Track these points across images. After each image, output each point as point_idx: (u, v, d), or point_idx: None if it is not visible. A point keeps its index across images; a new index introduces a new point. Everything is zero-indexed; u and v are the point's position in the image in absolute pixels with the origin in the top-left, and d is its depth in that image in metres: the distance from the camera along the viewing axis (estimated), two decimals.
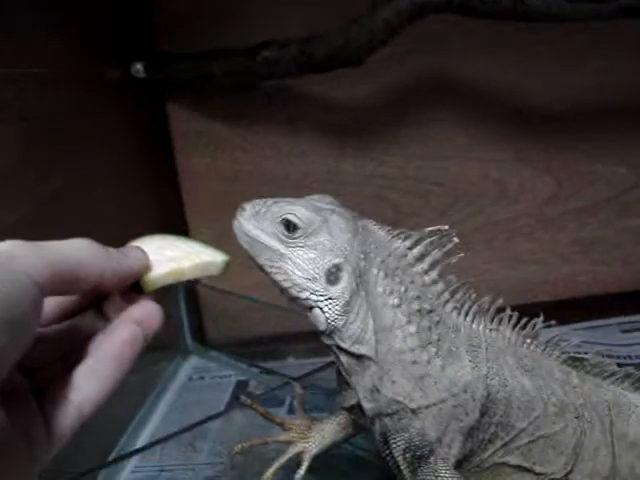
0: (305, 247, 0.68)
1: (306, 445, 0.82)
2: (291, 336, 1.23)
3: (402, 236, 0.70)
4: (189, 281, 0.66)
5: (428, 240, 0.70)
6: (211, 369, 1.25)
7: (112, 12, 1.19)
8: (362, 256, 0.68)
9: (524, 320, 0.73)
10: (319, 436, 0.83)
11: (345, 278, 0.67)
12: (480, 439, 0.69)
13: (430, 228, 0.70)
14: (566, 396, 0.72)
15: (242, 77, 1.16)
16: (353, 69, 1.11)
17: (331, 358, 0.72)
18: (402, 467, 0.67)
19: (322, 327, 0.68)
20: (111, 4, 1.19)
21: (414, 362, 0.68)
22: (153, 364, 1.23)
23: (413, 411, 0.67)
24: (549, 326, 0.73)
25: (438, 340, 0.69)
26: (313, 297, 0.68)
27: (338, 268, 0.68)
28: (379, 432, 0.69)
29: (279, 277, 0.68)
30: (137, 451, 0.97)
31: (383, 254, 0.69)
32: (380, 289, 0.68)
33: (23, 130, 0.94)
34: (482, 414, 0.68)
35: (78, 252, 0.53)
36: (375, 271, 0.68)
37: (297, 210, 0.68)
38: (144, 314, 0.58)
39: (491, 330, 0.72)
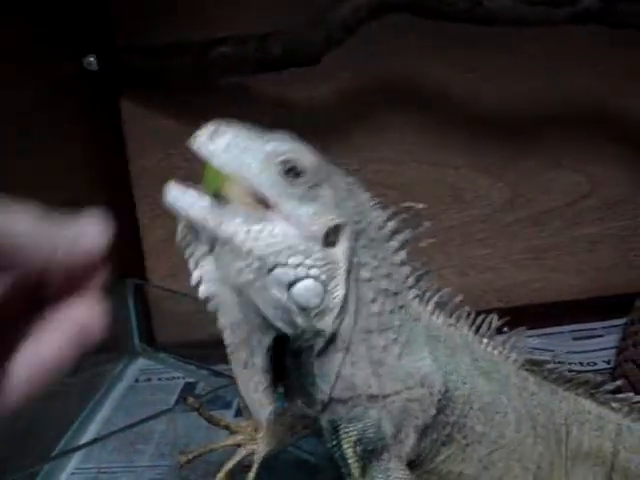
0: (304, 199, 0.58)
1: (254, 447, 0.79)
2: None
3: (380, 205, 0.63)
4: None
5: (402, 216, 0.63)
6: (159, 371, 1.22)
7: (67, 3, 1.16)
8: (356, 219, 0.61)
9: (480, 319, 0.69)
10: (266, 437, 0.79)
11: (344, 241, 0.59)
12: (434, 439, 0.64)
13: (406, 204, 0.64)
14: (524, 403, 0.68)
15: (197, 73, 1.14)
16: (311, 69, 1.09)
17: None
18: (350, 461, 0.62)
19: (314, 302, 0.58)
20: None
21: (371, 346, 0.61)
22: (99, 365, 1.20)
23: (369, 399, 0.61)
24: (503, 326, 0.70)
25: (399, 326, 0.62)
26: (308, 262, 0.57)
27: (338, 229, 0.59)
28: (328, 420, 0.63)
29: (261, 234, 0.56)
30: (74, 449, 0.93)
31: (365, 221, 0.62)
32: (356, 259, 0.60)
33: None
34: (438, 411, 0.63)
35: (15, 222, 0.41)
36: (358, 238, 0.61)
37: (303, 152, 0.58)
38: (86, 318, 0.45)
39: (449, 325, 0.67)
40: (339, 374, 0.61)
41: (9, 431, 0.93)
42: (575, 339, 1.23)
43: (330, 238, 0.58)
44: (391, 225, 0.63)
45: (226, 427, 0.81)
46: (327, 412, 0.63)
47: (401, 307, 0.63)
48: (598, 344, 1.21)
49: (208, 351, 1.24)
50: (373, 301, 0.61)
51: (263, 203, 0.58)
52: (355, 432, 0.61)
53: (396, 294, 0.63)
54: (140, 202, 1.32)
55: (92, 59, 1.18)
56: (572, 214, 1.32)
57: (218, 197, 0.57)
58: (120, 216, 1.26)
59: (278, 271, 0.57)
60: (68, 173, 1.15)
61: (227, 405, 1.02)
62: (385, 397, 0.62)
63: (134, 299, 1.27)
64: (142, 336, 1.28)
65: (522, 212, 1.32)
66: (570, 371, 0.73)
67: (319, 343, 0.60)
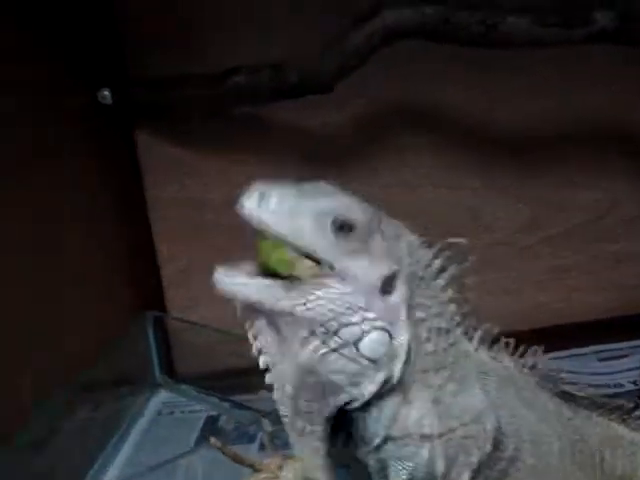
0: (358, 252, 0.57)
1: None
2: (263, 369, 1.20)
3: (426, 243, 0.63)
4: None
5: (447, 253, 0.63)
6: (181, 404, 1.21)
7: (80, 36, 1.16)
8: (407, 261, 0.60)
9: (521, 349, 0.68)
10: (290, 476, 0.78)
11: (400, 286, 0.59)
12: (487, 476, 0.63)
13: (450, 240, 0.63)
14: (563, 430, 0.68)
15: (212, 103, 1.14)
16: (326, 97, 1.09)
17: None
18: None
19: (381, 351, 0.57)
20: (79, 29, 1.16)
21: (428, 386, 0.61)
22: (120, 399, 1.19)
23: (421, 438, 0.60)
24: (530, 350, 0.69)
25: (453, 364, 0.62)
26: (370, 315, 0.57)
27: (393, 276, 0.59)
28: (377, 459, 0.62)
29: (319, 302, 0.56)
30: None
31: (415, 262, 0.61)
32: (411, 301, 0.60)
33: None
34: (493, 448, 0.62)
35: None
36: (411, 280, 0.60)
37: (353, 206, 0.58)
38: None
39: (492, 358, 0.67)
40: (395, 416, 0.61)
41: (29, 470, 0.93)
42: (600, 360, 1.22)
43: (387, 286, 0.58)
44: (437, 263, 0.63)
45: (251, 466, 0.80)
46: (373, 452, 0.62)
47: (452, 344, 0.63)
48: (624, 364, 1.19)
49: (229, 382, 1.24)
50: (427, 340, 0.61)
51: (319, 265, 0.58)
52: (405, 471, 0.61)
53: (448, 332, 0.63)
54: (157, 233, 1.32)
55: (106, 93, 1.18)
56: (592, 232, 1.31)
57: (270, 268, 0.57)
58: (138, 248, 1.29)
59: (344, 331, 0.57)
60: (85, 206, 1.16)
61: (250, 439, 1.01)
62: (440, 435, 0.61)
63: (154, 331, 1.26)
64: (163, 368, 1.27)
65: (541, 232, 1.31)
66: (602, 396, 0.73)
67: (384, 391, 0.60)
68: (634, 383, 1.12)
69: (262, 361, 0.60)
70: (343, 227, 0.57)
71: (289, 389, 0.60)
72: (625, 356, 1.21)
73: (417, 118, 1.25)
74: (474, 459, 0.61)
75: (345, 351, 0.57)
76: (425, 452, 0.60)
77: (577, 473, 0.67)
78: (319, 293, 0.57)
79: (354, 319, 0.57)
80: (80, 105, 1.18)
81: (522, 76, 1.22)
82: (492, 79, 1.22)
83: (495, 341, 0.67)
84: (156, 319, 1.26)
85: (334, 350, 0.57)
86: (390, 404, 0.60)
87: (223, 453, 0.79)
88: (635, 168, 1.26)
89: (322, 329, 0.57)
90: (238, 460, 0.80)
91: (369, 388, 0.59)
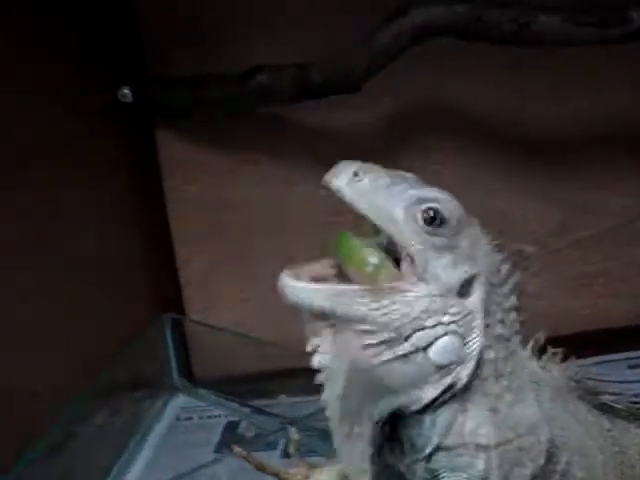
0: (443, 249, 0.55)
1: None
2: (283, 373, 1.17)
3: (497, 247, 0.60)
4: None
5: (513, 259, 0.60)
6: (199, 408, 1.19)
7: (100, 34, 1.15)
8: (485, 266, 0.58)
9: (569, 360, 0.66)
10: None
11: (478, 289, 0.56)
12: None
13: (518, 246, 0.61)
14: (605, 442, 0.66)
15: (235, 103, 1.11)
16: (349, 96, 1.06)
17: (318, 397, 0.63)
18: None
19: (451, 358, 0.55)
20: (99, 26, 1.14)
21: (486, 393, 0.59)
22: (137, 403, 1.17)
23: (476, 448, 0.58)
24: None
25: (510, 373, 0.60)
26: (446, 319, 0.55)
27: (472, 279, 0.57)
28: (428, 469, 0.59)
29: (393, 306, 0.54)
30: None
31: (489, 266, 0.59)
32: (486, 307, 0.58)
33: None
34: (546, 461, 0.60)
35: None
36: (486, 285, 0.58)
37: (447, 200, 0.56)
38: None
39: (542, 368, 0.64)
40: (451, 424, 0.58)
41: (46, 476, 0.91)
42: (630, 367, 1.18)
43: (464, 289, 0.56)
44: (504, 269, 0.60)
45: (276, 475, 0.77)
46: (424, 462, 0.59)
47: (511, 353, 0.60)
48: None
49: (248, 386, 1.22)
50: (489, 347, 0.58)
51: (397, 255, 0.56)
52: None
53: (508, 340, 0.60)
54: (177, 235, 1.29)
55: (127, 91, 1.16)
56: (622, 237, 1.27)
57: (349, 266, 0.55)
58: (157, 250, 1.27)
59: (416, 336, 0.54)
60: (104, 206, 1.14)
61: (272, 446, 0.98)
62: (495, 446, 0.58)
63: (172, 334, 1.24)
64: (181, 372, 1.25)
65: (571, 237, 1.28)
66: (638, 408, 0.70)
67: (444, 398, 0.57)
68: None
69: (316, 360, 0.56)
70: (434, 219, 0.55)
71: (339, 389, 0.57)
72: None
73: (445, 118, 1.22)
74: (528, 472, 0.59)
75: (412, 357, 0.54)
76: (480, 463, 0.58)
77: None
78: (396, 297, 0.54)
79: (428, 323, 0.54)
80: (100, 103, 1.16)
81: (553, 76, 1.19)
82: (523, 78, 1.19)
83: (543, 350, 0.65)
84: (174, 321, 1.24)
85: (401, 356, 0.54)
86: (447, 411, 0.58)
87: (248, 461, 0.76)
88: None
89: (393, 334, 0.54)
90: (262, 469, 0.77)
91: (429, 394, 0.56)
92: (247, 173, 1.26)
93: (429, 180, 1.24)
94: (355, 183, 0.54)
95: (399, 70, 1.09)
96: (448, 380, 0.56)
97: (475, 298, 0.56)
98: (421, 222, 0.55)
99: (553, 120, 1.22)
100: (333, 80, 1.00)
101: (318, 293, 0.54)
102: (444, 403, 0.57)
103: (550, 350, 0.66)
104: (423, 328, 0.54)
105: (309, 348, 0.57)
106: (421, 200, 0.55)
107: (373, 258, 0.55)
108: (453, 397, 0.57)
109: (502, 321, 0.59)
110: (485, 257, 0.59)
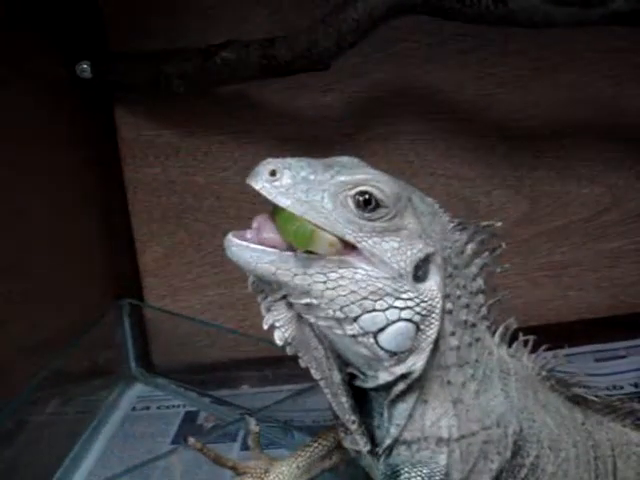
0: (386, 233, 0.52)
1: None
2: (245, 362, 1.15)
3: (460, 226, 0.57)
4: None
5: (481, 237, 0.58)
6: (157, 398, 1.14)
7: (59, 6, 1.09)
8: (444, 244, 0.55)
9: (542, 348, 0.64)
10: None
11: (434, 272, 0.54)
12: None
13: (484, 223, 0.59)
14: (579, 436, 0.63)
15: (198, 80, 1.07)
16: (317, 77, 1.03)
17: (288, 387, 0.61)
18: None
19: (405, 346, 0.52)
20: None
21: (448, 382, 0.56)
22: (92, 392, 1.13)
23: (438, 442, 0.56)
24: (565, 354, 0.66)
25: (476, 361, 0.57)
26: (398, 304, 0.52)
27: (427, 260, 0.53)
28: (388, 464, 0.57)
29: (340, 282, 0.51)
30: None
31: (449, 246, 0.56)
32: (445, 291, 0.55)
33: None
34: (514, 454, 0.58)
35: None
36: (445, 266, 0.55)
37: (378, 180, 0.52)
38: None
39: (512, 356, 0.62)
40: (411, 415, 0.56)
41: None
42: (597, 360, 1.17)
43: (420, 271, 0.53)
44: (470, 248, 0.58)
45: (233, 468, 0.74)
46: (384, 456, 0.57)
47: (477, 340, 0.58)
48: (622, 365, 1.14)
49: (209, 376, 1.18)
50: (452, 334, 0.56)
51: (342, 243, 0.52)
52: (419, 478, 0.56)
53: (473, 325, 0.58)
54: (136, 218, 1.25)
55: (85, 66, 1.11)
56: (593, 228, 1.25)
57: (292, 241, 0.52)
58: (114, 233, 1.22)
59: (365, 318, 0.52)
60: (58, 186, 1.09)
61: (232, 437, 0.95)
62: (458, 439, 0.56)
63: (130, 321, 1.20)
64: (139, 360, 1.21)
65: (540, 226, 1.26)
66: (615, 400, 0.68)
67: (399, 386, 0.55)
68: (635, 385, 1.07)
69: (277, 336, 0.55)
70: (368, 203, 0.52)
71: (310, 357, 0.56)
72: (623, 357, 1.16)
73: (413, 103, 1.19)
74: (494, 466, 0.57)
75: (363, 339, 0.52)
76: (442, 458, 0.56)
77: None
78: (342, 272, 0.52)
79: (378, 306, 0.52)
80: (58, 78, 1.11)
81: (526, 62, 1.17)
82: (495, 64, 1.17)
83: (514, 337, 0.62)
84: (132, 307, 1.19)
85: (350, 336, 0.53)
86: (405, 402, 0.55)
87: (203, 454, 0.73)
88: (639, 164, 1.20)
89: (340, 313, 0.52)
90: (219, 462, 0.74)
91: (382, 376, 0.54)
92: (211, 155, 1.22)
93: (394, 166, 1.22)
94: (275, 182, 0.52)
95: (368, 53, 1.08)
96: (402, 368, 0.54)
97: (432, 282, 0.54)
98: (354, 208, 0.52)
99: (524, 107, 1.20)
100: (301, 57, 0.96)
101: (263, 256, 0.51)
102: (403, 394, 0.55)
103: (521, 337, 0.63)
104: (372, 310, 0.52)
105: (266, 326, 0.55)
106: (350, 184, 0.52)
107: (309, 227, 0.52)
108: (411, 387, 0.55)
109: (467, 306, 0.57)
110: (443, 236, 0.56)
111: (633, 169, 1.22)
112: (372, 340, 0.52)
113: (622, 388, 1.08)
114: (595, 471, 0.63)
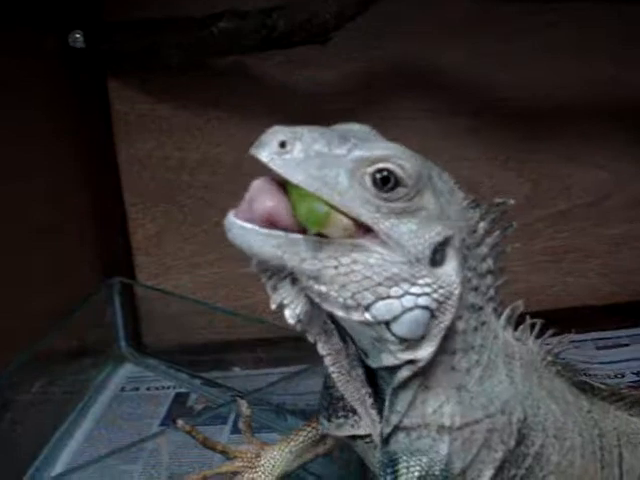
0: (404, 214, 0.48)
1: (254, 476, 0.69)
2: (238, 344, 1.12)
3: (473, 204, 0.54)
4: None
5: (493, 215, 0.55)
6: (147, 379, 1.12)
7: None
8: (461, 225, 0.51)
9: (549, 332, 0.61)
10: (269, 465, 0.70)
11: (452, 256, 0.50)
12: (512, 475, 0.55)
13: (498, 199, 0.55)
14: (585, 424, 0.60)
15: (194, 51, 1.04)
16: (317, 52, 1.00)
17: (281, 370, 0.57)
18: None
19: (418, 333, 0.49)
20: None
21: (452, 368, 0.53)
22: (81, 371, 1.10)
23: (439, 430, 0.53)
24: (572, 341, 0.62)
25: (481, 346, 0.54)
26: (415, 290, 0.49)
27: (446, 242, 0.50)
28: (386, 452, 0.54)
29: (354, 267, 0.48)
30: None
31: (464, 225, 0.52)
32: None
33: None
34: (518, 443, 0.55)
35: None
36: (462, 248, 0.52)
37: (399, 156, 0.48)
38: None
39: (517, 339, 0.59)
40: (412, 402, 0.53)
41: None
42: (599, 348, 1.14)
43: (437, 255, 0.50)
44: (482, 227, 0.55)
45: (223, 452, 0.71)
46: (383, 444, 0.54)
47: (483, 323, 0.55)
48: (624, 354, 1.12)
49: (200, 357, 1.16)
50: (459, 318, 0.52)
51: (356, 225, 0.48)
52: (418, 467, 0.52)
53: (481, 309, 0.54)
54: (128, 193, 1.22)
55: (78, 35, 1.08)
56: (595, 213, 1.22)
57: (304, 221, 0.48)
58: (106, 209, 1.19)
59: (379, 306, 0.48)
60: (49, 160, 1.07)
61: (223, 420, 0.93)
62: (460, 427, 0.53)
63: (121, 299, 1.17)
64: (129, 340, 1.18)
65: (541, 211, 1.22)
66: (622, 388, 0.68)
67: (404, 372, 0.52)
68: (637, 374, 1.05)
69: (287, 315, 0.51)
70: (387, 181, 0.48)
71: (321, 336, 0.53)
72: (625, 345, 1.14)
73: (415, 79, 1.15)
74: (498, 455, 0.54)
75: (375, 327, 0.49)
76: (443, 447, 0.53)
77: (598, 472, 0.61)
78: (355, 256, 0.48)
79: (393, 292, 0.48)
80: (49, 48, 1.08)
81: (530, 43, 1.13)
82: (499, 44, 1.13)
83: (521, 320, 0.59)
84: (123, 286, 1.17)
85: (362, 324, 0.49)
86: (407, 388, 0.52)
87: (192, 437, 0.70)
88: None
89: (351, 301, 0.48)
90: (209, 445, 0.72)
91: (386, 359, 0.51)
92: (206, 130, 1.19)
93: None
94: (285, 154, 0.47)
95: (368, 29, 1.04)
96: (410, 355, 0.51)
97: (450, 266, 0.50)
98: (371, 187, 0.48)
99: (528, 88, 1.16)
100: (300, 28, 0.93)
101: (268, 239, 0.47)
102: (406, 380, 0.52)
103: (528, 321, 0.60)
104: (387, 297, 0.48)
105: (274, 306, 0.51)
106: (368, 161, 0.48)
107: (321, 206, 0.48)
108: (415, 374, 0.52)
109: (476, 288, 0.54)
110: (460, 215, 0.53)
111: (637, 154, 1.18)
112: (384, 327, 0.49)
113: (623, 376, 1.06)
114: (601, 461, 0.61)
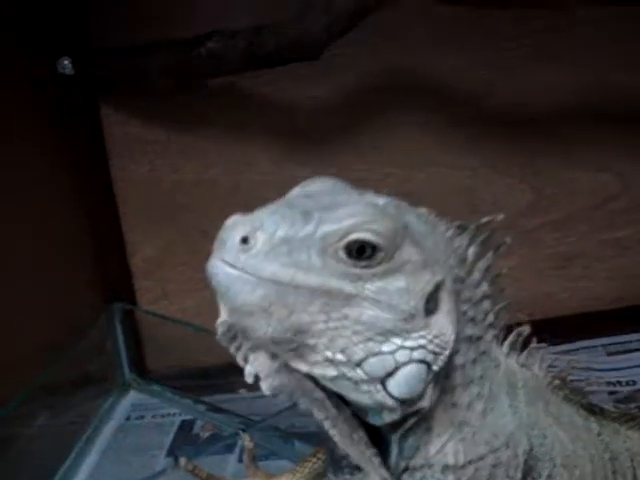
0: (387, 274, 0.46)
1: None
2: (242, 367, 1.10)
3: (458, 230, 0.51)
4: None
5: (482, 236, 0.51)
6: (152, 406, 1.11)
7: (37, 2, 1.05)
8: (448, 262, 0.49)
9: (554, 356, 0.59)
10: None
11: (445, 299, 0.48)
12: None
13: (485, 219, 0.52)
14: (595, 448, 0.58)
15: (184, 73, 1.02)
16: (309, 67, 0.99)
17: None
18: None
19: (417, 390, 0.47)
20: None
21: (453, 405, 0.51)
22: (85, 401, 1.09)
23: (443, 470, 0.50)
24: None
25: (481, 377, 0.51)
26: (409, 344, 0.46)
27: (438, 288, 0.48)
28: None
29: (344, 322, 0.45)
30: None
31: (452, 263, 0.50)
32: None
33: None
34: (524, 475, 0.52)
35: None
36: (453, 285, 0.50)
37: (369, 221, 0.45)
38: None
39: (522, 366, 0.56)
40: (418, 446, 0.50)
41: None
42: (609, 354, 1.13)
43: (431, 303, 0.47)
44: (472, 252, 0.51)
45: None
46: None
47: (483, 353, 0.52)
48: (635, 360, 1.10)
49: (205, 381, 1.14)
50: (456, 352, 0.50)
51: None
52: None
53: (479, 339, 0.52)
54: (125, 218, 1.20)
55: (67, 62, 1.07)
56: (600, 217, 1.21)
57: None
58: (104, 234, 1.18)
59: (371, 362, 0.45)
60: (43, 188, 1.06)
61: (229, 449, 0.91)
62: (464, 465, 0.51)
63: (123, 326, 1.16)
64: (132, 367, 1.17)
65: (545, 216, 1.21)
66: (633, 408, 0.64)
67: (409, 422, 0.49)
68: None
69: (265, 388, 0.48)
70: (362, 251, 0.45)
71: (308, 401, 0.48)
72: (636, 350, 1.12)
73: (410, 91, 1.14)
74: None
75: (365, 387, 0.46)
76: None
77: None
78: (346, 311, 0.45)
79: (385, 348, 0.45)
80: (38, 75, 1.07)
81: (526, 47, 1.11)
82: (492, 49, 1.12)
83: (526, 344, 0.57)
84: (124, 312, 1.16)
85: (353, 383, 0.46)
86: (414, 433, 0.50)
87: (195, 475, 0.68)
88: None
89: (341, 356, 0.45)
90: None
91: (389, 417, 0.48)
92: (200, 151, 1.18)
93: (393, 158, 1.18)
94: (249, 250, 0.44)
95: (359, 42, 1.02)
96: (412, 408, 0.48)
97: (443, 312, 0.48)
98: (347, 259, 0.45)
99: (525, 92, 1.15)
100: (290, 46, 0.91)
101: (264, 282, 0.44)
102: (412, 427, 0.49)
103: (533, 345, 0.58)
104: (378, 354, 0.46)
105: (249, 379, 0.48)
106: (337, 236, 0.45)
107: None
108: (420, 419, 0.49)
109: (472, 319, 0.51)
110: (446, 249, 0.50)
111: None
112: (379, 387, 0.46)
113: (635, 383, 1.04)
114: None
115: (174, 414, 1.07)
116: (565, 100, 1.14)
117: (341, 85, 1.14)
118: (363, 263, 0.45)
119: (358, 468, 0.52)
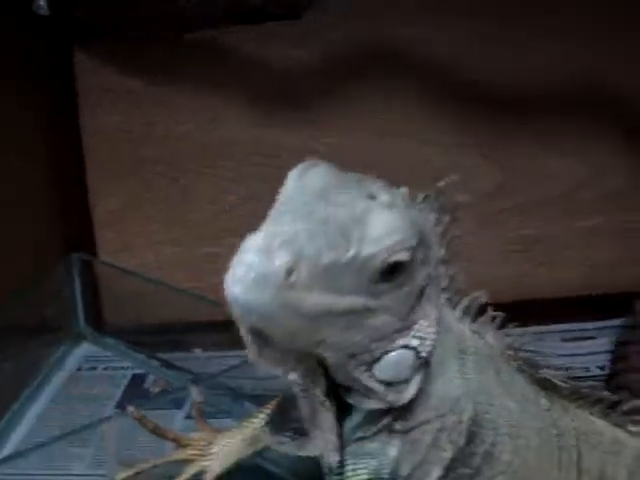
0: (402, 284, 0.47)
1: (207, 464, 0.68)
2: (199, 325, 1.09)
3: (423, 203, 0.52)
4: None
5: (439, 202, 0.52)
6: (105, 359, 1.09)
7: None
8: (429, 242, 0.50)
9: (510, 325, 0.59)
10: (222, 453, 0.68)
11: (431, 288, 0.50)
12: (458, 475, 0.53)
13: (440, 183, 0.52)
14: (543, 422, 0.58)
15: (163, 24, 1.00)
16: (289, 27, 0.99)
17: (241, 353, 0.53)
18: None
19: (405, 374, 0.49)
20: None
21: None
22: (36, 348, 1.07)
23: (390, 433, 0.51)
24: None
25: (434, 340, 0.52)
26: (406, 332, 0.48)
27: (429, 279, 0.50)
28: None
29: (356, 337, 0.46)
30: None
31: (433, 239, 0.51)
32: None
33: None
34: (467, 442, 0.52)
35: None
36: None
37: (408, 240, 0.45)
38: None
39: (474, 332, 0.56)
40: (374, 415, 0.51)
41: None
42: (564, 340, 1.13)
43: (421, 294, 0.49)
44: (433, 218, 0.52)
45: (174, 440, 0.69)
46: None
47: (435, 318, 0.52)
48: (589, 347, 1.11)
49: (161, 338, 1.13)
50: None
51: None
52: (366, 471, 0.50)
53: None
54: (91, 167, 1.19)
55: (42, 2, 1.03)
56: (569, 204, 1.20)
57: None
58: (67, 182, 1.16)
59: (368, 354, 0.47)
60: (7, 131, 1.03)
61: (178, 405, 0.90)
62: (411, 429, 0.51)
63: (80, 276, 1.14)
64: (88, 318, 1.15)
65: (512, 199, 1.20)
66: (586, 387, 0.64)
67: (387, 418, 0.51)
68: (601, 368, 1.04)
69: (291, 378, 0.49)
70: (394, 268, 0.45)
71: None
72: (591, 338, 1.13)
73: (390, 60, 1.12)
74: (447, 455, 0.52)
75: (358, 373, 0.48)
76: (393, 450, 0.51)
77: (555, 473, 0.58)
78: (363, 322, 0.46)
79: (385, 345, 0.47)
80: (10, 14, 1.03)
81: (505, 21, 1.10)
82: (475, 24, 1.10)
83: (481, 312, 0.57)
84: (83, 262, 1.14)
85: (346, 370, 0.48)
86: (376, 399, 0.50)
87: (142, 424, 0.68)
88: (622, 137, 1.15)
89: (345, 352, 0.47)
90: (159, 433, 0.70)
91: (370, 405, 0.50)
92: (174, 105, 1.16)
93: (365, 126, 1.16)
94: (292, 287, 0.42)
95: (344, 5, 1.02)
96: (393, 397, 0.49)
97: (428, 300, 0.50)
98: (379, 278, 0.45)
99: (503, 71, 1.13)
100: (272, 3, 0.90)
101: (308, 312, 0.43)
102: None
103: (489, 313, 0.58)
104: (382, 347, 0.48)
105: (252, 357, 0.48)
106: (379, 259, 0.44)
107: None
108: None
109: (432, 282, 0.51)
110: (431, 234, 0.51)
111: (616, 145, 1.16)
112: (368, 373, 0.48)
113: (588, 370, 1.05)
114: (558, 462, 0.58)
115: (126, 368, 1.06)
116: (542, 82, 1.13)
117: (320, 50, 1.12)
118: (392, 278, 0.45)
119: (301, 432, 0.53)
